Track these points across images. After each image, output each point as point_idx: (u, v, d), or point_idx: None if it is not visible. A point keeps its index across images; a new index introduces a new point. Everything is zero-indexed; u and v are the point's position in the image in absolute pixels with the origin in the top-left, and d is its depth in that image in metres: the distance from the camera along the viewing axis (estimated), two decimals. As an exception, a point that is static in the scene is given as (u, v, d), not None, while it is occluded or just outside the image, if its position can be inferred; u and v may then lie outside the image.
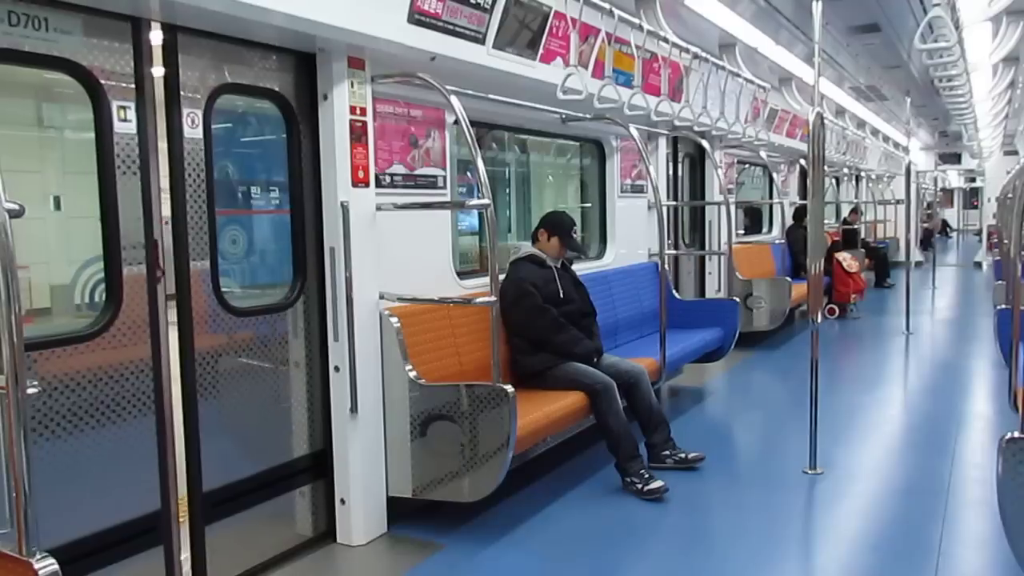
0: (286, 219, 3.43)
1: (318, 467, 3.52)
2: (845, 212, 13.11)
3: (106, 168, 2.69)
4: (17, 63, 2.54)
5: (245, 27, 2.97)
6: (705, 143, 7.07)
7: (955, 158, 20.27)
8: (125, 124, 2.72)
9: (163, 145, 2.88)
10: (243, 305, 3.24)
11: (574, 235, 4.52)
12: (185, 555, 3.00)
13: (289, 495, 3.42)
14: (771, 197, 10.41)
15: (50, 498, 2.54)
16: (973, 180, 24.07)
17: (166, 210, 2.92)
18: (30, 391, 1.81)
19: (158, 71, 2.87)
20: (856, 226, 12.32)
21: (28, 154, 3.12)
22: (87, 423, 2.65)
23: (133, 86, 2.76)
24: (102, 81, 2.66)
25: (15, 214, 1.77)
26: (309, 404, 3.49)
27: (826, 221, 10.70)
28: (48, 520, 2.54)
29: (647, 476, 4.01)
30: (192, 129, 2.95)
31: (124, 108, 2.72)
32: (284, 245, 3.45)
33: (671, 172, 7.47)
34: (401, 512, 3.68)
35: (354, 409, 3.46)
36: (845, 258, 9.84)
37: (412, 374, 3.56)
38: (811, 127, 4.23)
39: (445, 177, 4.13)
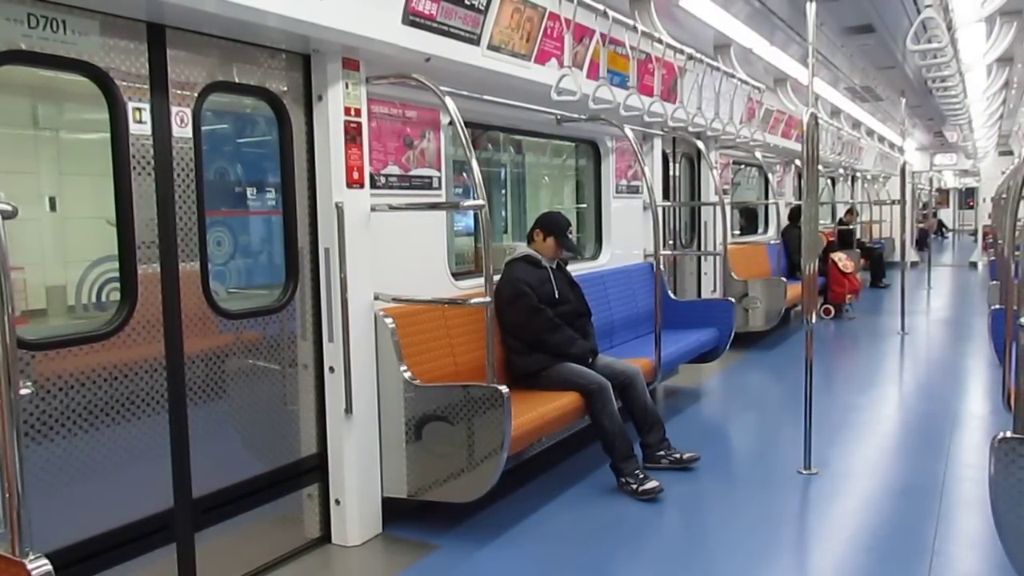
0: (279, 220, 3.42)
1: (315, 468, 3.51)
2: (841, 212, 13.14)
3: (121, 169, 2.73)
4: (36, 65, 2.57)
5: (240, 28, 2.97)
6: (700, 144, 7.08)
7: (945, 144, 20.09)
8: (140, 125, 2.77)
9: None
10: (233, 308, 3.21)
11: (569, 235, 4.52)
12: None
13: (286, 497, 3.41)
14: (767, 198, 10.43)
15: (67, 496, 2.56)
16: (966, 172, 24.04)
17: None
18: (23, 392, 1.81)
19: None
20: (852, 226, 12.34)
21: (24, 154, 3.12)
22: (102, 420, 2.67)
23: (148, 87, 2.80)
24: (118, 82, 2.69)
25: (8, 215, 1.77)
26: (304, 406, 3.49)
27: (822, 221, 10.78)
28: (64, 516, 2.54)
29: (642, 476, 4.02)
30: (181, 128, 2.94)
31: (139, 110, 2.77)
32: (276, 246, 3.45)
33: (670, 173, 7.48)
34: (396, 513, 3.68)
35: (349, 410, 3.46)
36: (840, 258, 9.87)
37: (407, 375, 3.57)
38: (805, 128, 4.24)
39: (440, 178, 4.13)
